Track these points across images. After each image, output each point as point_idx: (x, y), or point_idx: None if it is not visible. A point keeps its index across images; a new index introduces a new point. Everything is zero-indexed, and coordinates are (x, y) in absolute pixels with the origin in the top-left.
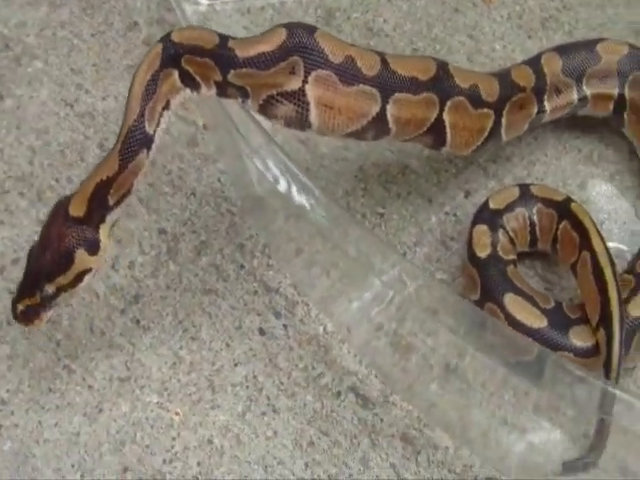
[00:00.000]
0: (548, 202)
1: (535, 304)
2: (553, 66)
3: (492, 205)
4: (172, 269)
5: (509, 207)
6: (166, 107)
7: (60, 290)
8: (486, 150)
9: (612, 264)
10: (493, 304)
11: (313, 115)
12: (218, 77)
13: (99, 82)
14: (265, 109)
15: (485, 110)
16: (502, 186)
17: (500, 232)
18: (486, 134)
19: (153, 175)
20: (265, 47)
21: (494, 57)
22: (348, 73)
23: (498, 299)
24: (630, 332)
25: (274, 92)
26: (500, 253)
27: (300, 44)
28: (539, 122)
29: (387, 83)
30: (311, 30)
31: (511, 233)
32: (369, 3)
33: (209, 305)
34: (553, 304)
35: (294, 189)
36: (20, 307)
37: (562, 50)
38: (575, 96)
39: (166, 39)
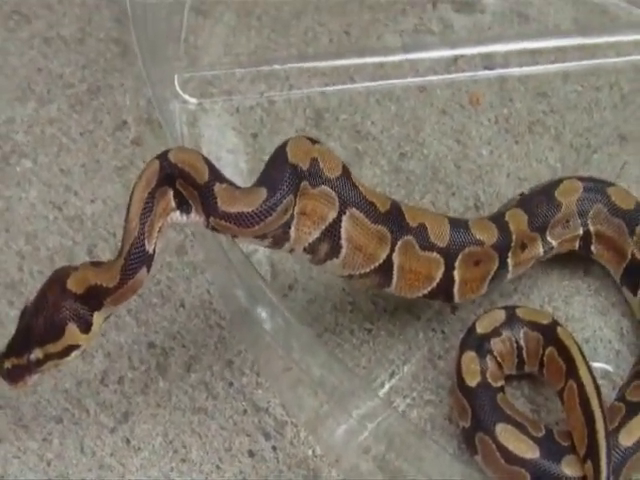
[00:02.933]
0: (534, 325)
1: (526, 432)
2: (519, 222)
3: (479, 330)
4: (162, 385)
5: (496, 331)
6: (163, 225)
7: (47, 358)
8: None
9: (599, 395)
10: (485, 434)
11: (293, 228)
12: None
13: (88, 184)
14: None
15: (434, 254)
16: (488, 301)
17: (488, 358)
18: (434, 284)
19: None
20: (245, 208)
21: (481, 163)
22: (312, 177)
23: (489, 429)
24: (619, 462)
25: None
26: (489, 380)
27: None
28: (500, 281)
29: (345, 192)
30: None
31: (499, 358)
32: (358, 104)
33: (199, 425)
34: (544, 432)
35: (266, 313)
36: (7, 365)
37: (525, 204)
38: (541, 249)
39: (163, 157)
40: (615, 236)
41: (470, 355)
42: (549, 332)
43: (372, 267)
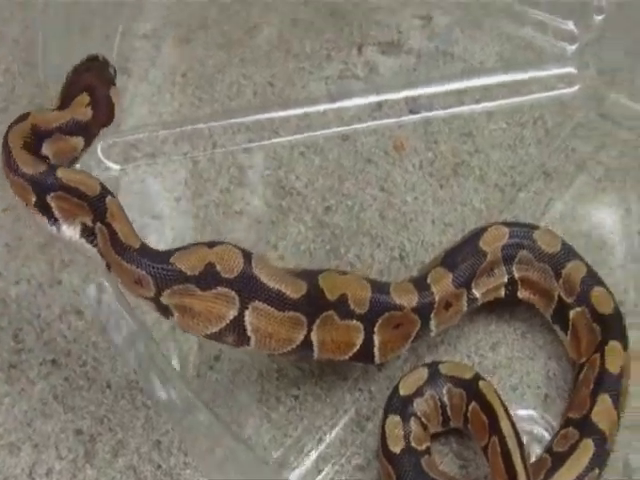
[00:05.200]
0: (457, 381)
1: None
2: (442, 282)
3: (402, 391)
4: (90, 473)
5: (419, 391)
6: None
7: None
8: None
9: (521, 450)
10: None
11: (175, 317)
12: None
13: (11, 263)
14: None
15: (353, 322)
16: (414, 355)
17: (412, 420)
18: (355, 349)
19: (68, 367)
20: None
21: (406, 211)
22: (205, 280)
23: None
24: None
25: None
26: (414, 444)
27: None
28: (424, 338)
29: (247, 287)
30: (169, 254)
31: (423, 419)
32: (282, 158)
33: None
34: None
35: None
36: None
37: (449, 261)
38: (465, 304)
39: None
40: (541, 280)
41: (394, 420)
42: (472, 387)
43: (290, 348)
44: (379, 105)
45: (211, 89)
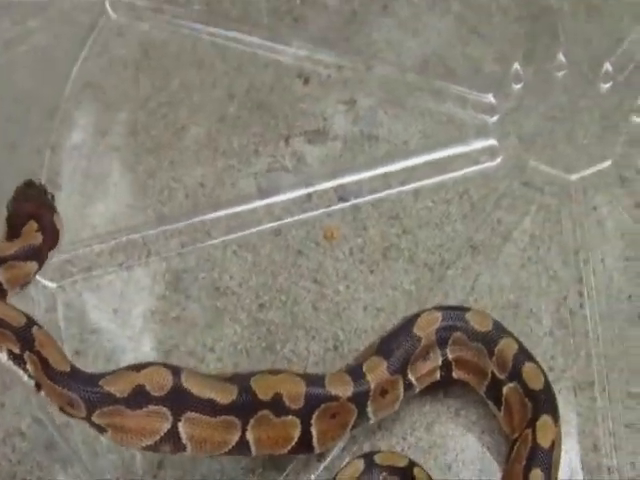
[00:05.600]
0: (392, 469)
1: None
2: (377, 370)
3: None
4: None
5: None
6: None
7: None
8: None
9: None
10: None
11: (109, 434)
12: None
13: None
14: None
15: (289, 417)
16: (352, 442)
17: None
18: (294, 443)
19: None
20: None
21: (338, 300)
22: (135, 400)
23: None
24: None
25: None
26: None
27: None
28: (363, 426)
29: (177, 402)
30: (98, 377)
31: None
32: (215, 259)
33: None
34: None
35: None
36: None
37: (384, 349)
38: (401, 390)
39: None
40: (475, 359)
41: None
42: (406, 474)
43: (226, 449)
44: (309, 196)
45: (143, 195)
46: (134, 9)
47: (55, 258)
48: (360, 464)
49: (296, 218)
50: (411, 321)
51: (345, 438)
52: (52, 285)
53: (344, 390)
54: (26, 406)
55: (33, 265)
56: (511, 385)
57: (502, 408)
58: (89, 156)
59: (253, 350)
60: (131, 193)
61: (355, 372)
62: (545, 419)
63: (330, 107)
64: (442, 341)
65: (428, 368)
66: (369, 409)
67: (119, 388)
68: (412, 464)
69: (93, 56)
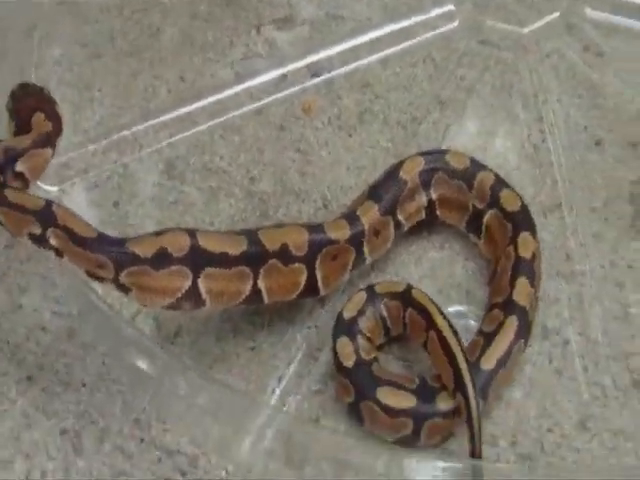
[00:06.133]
0: (392, 295)
1: (403, 387)
2: (370, 213)
3: (346, 315)
4: (81, 465)
5: (361, 312)
6: None
7: None
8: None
9: (456, 336)
10: (368, 401)
11: (133, 293)
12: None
13: None
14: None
15: (296, 265)
16: (350, 285)
17: (359, 337)
18: (301, 287)
19: (43, 379)
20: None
21: (322, 165)
22: (159, 261)
23: (371, 396)
24: (486, 385)
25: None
26: (363, 356)
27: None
28: (360, 266)
29: (196, 260)
30: (124, 240)
31: (368, 334)
32: (204, 144)
33: None
34: (417, 382)
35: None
36: None
37: (374, 193)
38: (392, 229)
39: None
40: (456, 195)
41: (343, 341)
42: (405, 297)
43: (241, 299)
44: (284, 76)
45: (128, 96)
46: None
47: (54, 161)
48: (363, 295)
49: (274, 97)
50: (397, 167)
51: (345, 279)
52: (53, 189)
53: (342, 233)
54: (44, 303)
55: (48, 151)
56: (491, 212)
57: (482, 236)
58: (71, 67)
59: (249, 219)
60: (116, 96)
61: (350, 217)
62: (524, 235)
63: None
64: (425, 182)
65: (414, 208)
66: (365, 249)
67: (144, 250)
68: (410, 287)
69: None
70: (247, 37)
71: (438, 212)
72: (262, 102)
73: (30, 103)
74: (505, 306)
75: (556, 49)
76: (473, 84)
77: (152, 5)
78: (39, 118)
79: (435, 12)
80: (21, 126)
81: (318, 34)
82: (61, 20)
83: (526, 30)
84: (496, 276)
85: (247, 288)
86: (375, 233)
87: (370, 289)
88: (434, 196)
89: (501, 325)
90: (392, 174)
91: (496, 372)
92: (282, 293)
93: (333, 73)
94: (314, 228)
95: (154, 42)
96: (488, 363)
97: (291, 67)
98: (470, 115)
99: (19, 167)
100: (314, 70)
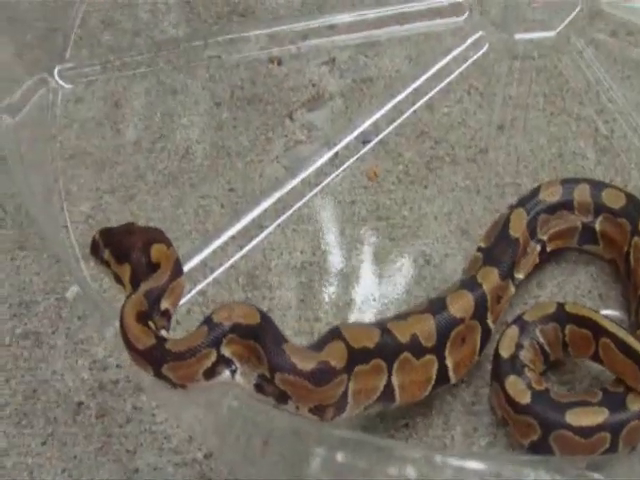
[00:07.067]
0: (545, 319)
1: (589, 404)
2: (491, 279)
3: (504, 353)
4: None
5: (518, 346)
6: None
7: None
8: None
9: (630, 334)
10: (558, 430)
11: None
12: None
13: None
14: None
15: (427, 357)
16: None
17: (525, 371)
18: (432, 382)
19: None
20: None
21: (410, 224)
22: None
23: (561, 423)
24: None
25: None
26: (538, 388)
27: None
28: (488, 342)
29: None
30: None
31: (532, 366)
32: (279, 244)
33: None
34: (600, 394)
35: None
36: None
37: (492, 259)
38: (512, 290)
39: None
40: (563, 225)
41: (511, 379)
42: (561, 315)
43: (375, 398)
44: (335, 154)
45: (179, 225)
46: None
47: None
48: (514, 328)
49: (334, 176)
50: (505, 225)
51: (475, 361)
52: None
53: (467, 313)
54: None
55: (183, 278)
56: (600, 218)
57: (599, 242)
58: (107, 217)
59: (354, 302)
60: (166, 230)
61: (470, 285)
62: None
63: (314, 73)
64: (533, 231)
65: (530, 261)
66: (489, 321)
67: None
68: (561, 304)
69: None
70: (282, 128)
71: (549, 248)
72: (323, 185)
73: (135, 240)
74: None
75: (589, 41)
76: (524, 99)
77: (172, 129)
78: (161, 249)
79: (463, 44)
80: (138, 265)
81: (353, 102)
82: (78, 173)
83: (554, 33)
84: (631, 268)
85: (382, 383)
86: (497, 299)
87: (520, 320)
88: (544, 238)
89: None
90: (503, 233)
91: None
92: (415, 391)
93: (383, 135)
94: (438, 307)
95: (187, 164)
96: None
97: (338, 143)
98: (533, 128)
99: (164, 305)
100: (362, 138)
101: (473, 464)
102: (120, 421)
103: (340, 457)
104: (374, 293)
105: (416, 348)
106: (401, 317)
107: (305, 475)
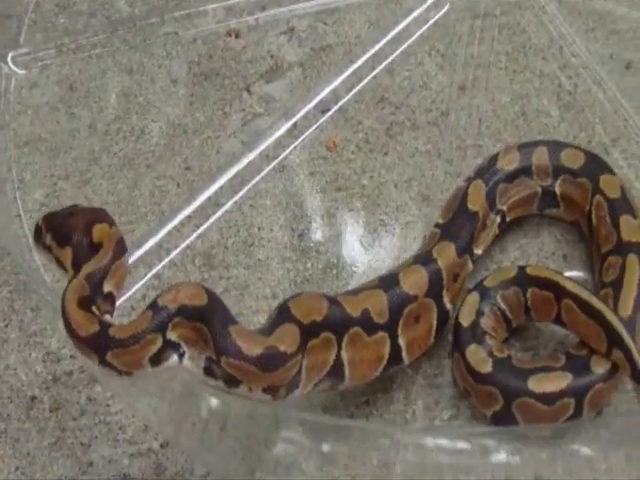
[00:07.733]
0: (506, 283)
1: (553, 369)
2: (447, 254)
3: (465, 322)
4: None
5: (479, 313)
6: None
7: None
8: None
9: (593, 294)
10: (521, 398)
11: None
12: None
13: None
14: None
15: (379, 334)
16: None
17: (487, 339)
18: (384, 362)
19: None
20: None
21: (369, 193)
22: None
23: (524, 391)
24: (630, 330)
25: None
26: (499, 356)
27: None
28: (445, 324)
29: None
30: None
31: (493, 333)
32: (236, 222)
33: None
34: (564, 358)
35: None
36: None
37: (449, 234)
38: (470, 267)
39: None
40: (522, 193)
41: (471, 349)
42: (522, 279)
43: (324, 372)
44: (294, 125)
45: (135, 207)
46: None
47: None
48: (475, 295)
49: (292, 148)
50: (463, 199)
51: (431, 343)
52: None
53: (420, 287)
54: None
55: (126, 257)
56: (559, 180)
57: (560, 204)
58: (60, 202)
59: (315, 275)
60: (122, 213)
61: (426, 261)
62: (604, 178)
63: (272, 44)
64: (492, 202)
65: (489, 234)
66: (445, 299)
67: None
68: (522, 267)
69: None
70: (240, 102)
71: (508, 217)
72: (281, 157)
73: (76, 222)
74: (618, 250)
75: None
76: (486, 58)
77: (128, 110)
78: (103, 229)
79: (423, 5)
80: (79, 247)
81: (312, 71)
82: (32, 160)
83: None
84: (594, 227)
85: (331, 357)
86: (454, 277)
87: (480, 286)
88: (504, 208)
89: (623, 269)
90: (461, 207)
91: (636, 315)
92: (365, 370)
93: (342, 102)
94: (389, 283)
95: (143, 145)
96: (625, 309)
97: (297, 114)
98: (496, 87)
99: (107, 287)
100: (321, 107)
101: (432, 440)
102: (74, 414)
103: (300, 440)
104: (333, 268)
105: (367, 323)
106: (352, 292)
107: (264, 459)
